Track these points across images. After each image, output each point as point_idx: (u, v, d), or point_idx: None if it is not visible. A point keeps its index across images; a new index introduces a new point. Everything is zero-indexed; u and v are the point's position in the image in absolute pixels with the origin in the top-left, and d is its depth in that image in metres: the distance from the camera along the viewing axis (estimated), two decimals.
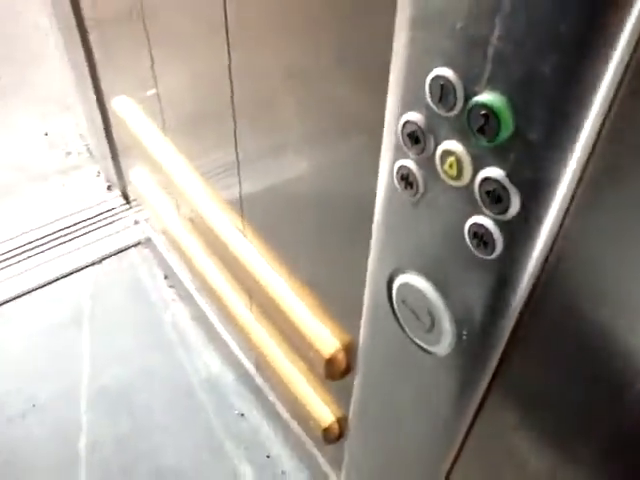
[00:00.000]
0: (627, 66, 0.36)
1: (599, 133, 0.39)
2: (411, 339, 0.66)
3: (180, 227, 1.50)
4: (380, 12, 0.53)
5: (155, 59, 1.24)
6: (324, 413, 1.08)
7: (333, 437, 1.08)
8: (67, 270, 1.91)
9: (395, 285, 0.64)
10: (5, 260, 1.94)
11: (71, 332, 1.74)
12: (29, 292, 1.84)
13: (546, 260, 0.47)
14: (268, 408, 1.47)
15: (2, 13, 3.52)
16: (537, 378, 0.56)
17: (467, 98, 0.44)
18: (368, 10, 0.59)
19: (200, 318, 1.71)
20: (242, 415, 1.54)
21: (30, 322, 1.78)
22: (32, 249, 1.98)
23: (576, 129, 0.39)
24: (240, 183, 1.08)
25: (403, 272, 0.62)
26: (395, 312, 0.66)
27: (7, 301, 1.81)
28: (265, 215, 1.05)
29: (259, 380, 1.44)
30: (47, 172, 2.44)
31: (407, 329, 0.66)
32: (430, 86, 0.47)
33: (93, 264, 1.94)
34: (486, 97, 0.42)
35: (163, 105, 1.31)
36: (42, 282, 1.87)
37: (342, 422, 1.07)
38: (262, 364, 1.33)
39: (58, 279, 1.88)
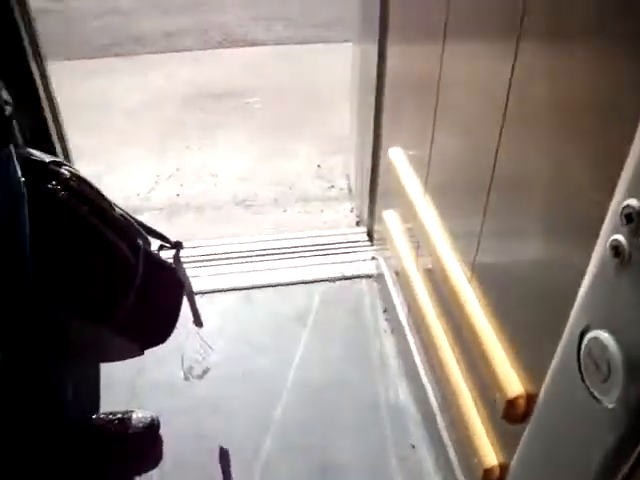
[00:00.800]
0: None
1: None
2: (587, 387, 0.78)
3: (413, 270, 1.72)
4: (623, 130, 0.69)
5: (436, 125, 1.49)
6: (489, 455, 1.20)
7: None
8: (307, 278, 2.26)
9: (585, 339, 0.78)
10: (264, 255, 2.35)
11: (296, 326, 2.06)
12: (275, 285, 2.23)
13: None
14: (438, 445, 1.61)
15: (310, 67, 4.18)
16: None
17: None
18: (617, 126, 0.75)
19: (404, 352, 1.91)
20: (413, 447, 1.70)
21: (269, 308, 2.15)
22: (285, 252, 2.37)
23: None
24: (477, 249, 1.26)
25: (595, 328, 0.76)
26: (580, 362, 0.79)
27: (256, 287, 2.21)
28: (491, 276, 1.23)
29: (439, 418, 1.59)
30: (311, 196, 2.87)
31: (586, 378, 0.78)
32: None
33: (328, 280, 2.26)
34: None
35: (431, 164, 1.56)
36: (286, 281, 2.25)
37: (503, 468, 1.17)
38: (446, 401, 1.48)
39: (299, 283, 2.24)
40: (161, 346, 1.56)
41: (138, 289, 1.41)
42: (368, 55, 2.18)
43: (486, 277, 1.24)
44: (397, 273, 1.96)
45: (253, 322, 2.11)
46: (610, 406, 0.74)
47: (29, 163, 1.28)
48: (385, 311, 2.13)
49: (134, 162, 3.13)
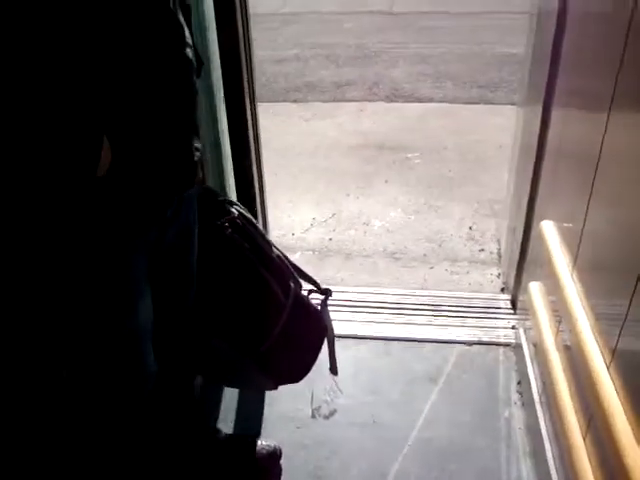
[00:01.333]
0: None
1: None
2: None
3: (552, 345, 1.67)
4: None
5: (592, 200, 1.46)
6: None
7: None
8: (445, 337, 2.27)
9: None
10: (405, 309, 2.40)
11: (427, 384, 2.07)
12: (412, 340, 2.27)
13: None
14: None
15: (473, 127, 4.20)
16: None
17: None
18: None
19: (532, 428, 1.84)
20: None
21: (402, 362, 2.19)
22: (426, 309, 2.40)
23: None
24: (620, 334, 1.22)
25: None
26: None
27: (393, 339, 2.26)
28: (633, 365, 1.17)
29: None
30: (459, 256, 2.87)
31: None
32: None
33: (465, 343, 2.25)
34: None
35: (582, 240, 1.52)
36: (424, 337, 2.28)
37: None
38: None
39: (436, 341, 2.25)
40: None
41: (284, 327, 1.51)
42: (531, 120, 2.18)
43: (627, 366, 1.19)
44: (535, 345, 1.91)
45: (384, 373, 2.15)
46: None
47: (207, 199, 1.46)
48: (519, 383, 2.06)
49: (296, 203, 3.34)
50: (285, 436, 1.88)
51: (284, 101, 4.85)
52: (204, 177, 1.40)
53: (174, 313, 1.42)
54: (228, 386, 2.01)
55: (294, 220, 3.19)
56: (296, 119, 4.50)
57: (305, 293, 1.63)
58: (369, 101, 4.82)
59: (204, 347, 1.55)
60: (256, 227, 1.52)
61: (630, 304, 1.17)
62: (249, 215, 1.53)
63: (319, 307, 1.63)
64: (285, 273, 1.54)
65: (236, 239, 1.45)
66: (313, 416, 1.98)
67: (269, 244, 1.53)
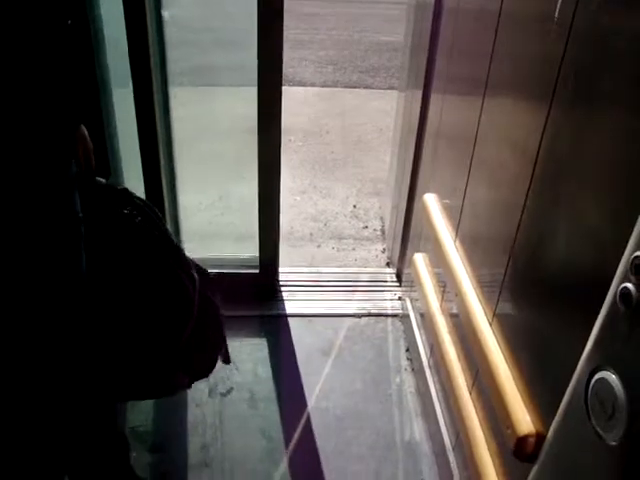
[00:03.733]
0: None
1: None
2: (593, 426, 0.83)
3: (438, 312, 1.78)
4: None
5: (471, 175, 1.57)
6: None
7: None
8: (335, 312, 2.33)
9: (593, 380, 0.84)
10: (295, 287, 2.44)
11: (319, 358, 2.13)
12: (303, 316, 2.31)
13: None
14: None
15: (354, 110, 4.31)
16: None
17: None
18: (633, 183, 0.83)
19: (422, 391, 1.95)
20: None
21: (296, 338, 2.23)
22: (315, 286, 2.45)
23: None
24: (499, 297, 1.33)
25: (602, 369, 0.82)
26: (587, 401, 0.85)
27: (284, 315, 2.30)
28: (511, 322, 1.28)
29: (451, 457, 1.63)
30: (344, 234, 2.95)
31: (592, 417, 0.84)
32: None
33: (354, 316, 2.33)
34: None
35: (463, 213, 1.63)
36: (314, 312, 2.32)
37: None
38: (459, 440, 1.52)
39: (326, 316, 2.31)
40: None
41: (196, 320, 1.46)
42: (412, 103, 2.29)
43: (506, 323, 1.30)
44: (422, 314, 2.02)
45: (278, 349, 2.19)
46: (613, 443, 0.79)
47: (108, 190, 1.39)
48: (407, 350, 2.18)
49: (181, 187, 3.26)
50: (183, 414, 1.87)
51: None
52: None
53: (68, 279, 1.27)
54: (141, 398, 1.79)
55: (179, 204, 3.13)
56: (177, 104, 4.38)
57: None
58: (252, 85, 4.79)
59: (116, 350, 1.42)
60: (158, 215, 1.46)
61: (506, 271, 1.28)
62: (149, 203, 1.47)
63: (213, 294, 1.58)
64: (188, 263, 1.49)
65: (146, 227, 1.40)
66: (210, 395, 1.98)
67: (171, 232, 1.49)
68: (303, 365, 2.11)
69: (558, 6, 1.07)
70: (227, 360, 1.66)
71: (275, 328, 2.26)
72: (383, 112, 3.48)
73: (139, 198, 1.44)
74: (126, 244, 1.37)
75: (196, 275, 1.49)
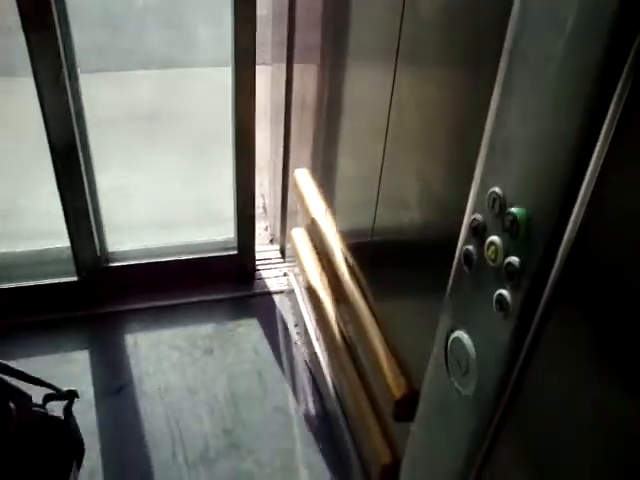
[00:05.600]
0: None
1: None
2: (452, 382, 0.88)
3: (319, 284, 1.80)
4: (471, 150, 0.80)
5: (334, 145, 1.59)
6: (384, 453, 1.29)
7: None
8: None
9: (450, 339, 0.88)
10: None
11: (207, 341, 2.13)
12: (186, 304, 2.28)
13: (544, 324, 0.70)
14: (341, 446, 1.69)
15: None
16: (537, 423, 0.76)
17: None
18: (466, 147, 0.86)
19: (313, 362, 1.99)
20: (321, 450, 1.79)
21: (183, 322, 2.20)
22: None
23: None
24: (370, 262, 1.36)
25: (456, 329, 0.86)
26: (447, 360, 0.89)
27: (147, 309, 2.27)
28: (381, 287, 1.33)
29: (342, 422, 1.68)
30: (227, 215, 2.91)
31: (451, 373, 0.88)
32: (488, 198, 0.72)
33: (240, 297, 2.32)
34: (515, 210, 0.67)
35: (330, 183, 1.65)
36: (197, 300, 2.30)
37: (396, 465, 1.26)
38: (346, 405, 1.57)
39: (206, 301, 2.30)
40: None
41: (16, 463, 1.18)
42: (278, 77, 2.27)
43: (377, 289, 1.34)
44: (306, 288, 2.04)
45: (137, 339, 2.15)
46: (469, 395, 0.83)
47: None
48: (296, 325, 2.20)
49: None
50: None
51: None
52: None
53: None
54: None
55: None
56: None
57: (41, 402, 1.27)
58: (115, 71, 4.59)
59: None
60: None
61: (372, 236, 1.31)
62: None
63: (64, 417, 1.30)
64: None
65: None
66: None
67: None
68: (190, 352, 2.09)
69: None
70: None
71: (159, 315, 2.22)
72: (258, 88, 3.43)
73: None
74: None
75: (13, 406, 1.18)
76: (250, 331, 2.19)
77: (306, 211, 1.78)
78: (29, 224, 2.72)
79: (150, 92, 4.23)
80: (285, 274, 2.43)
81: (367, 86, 1.36)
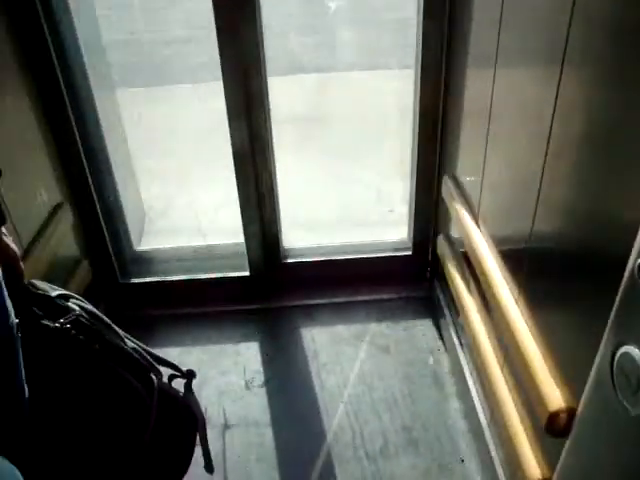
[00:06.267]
0: None
1: None
2: (619, 400, 0.84)
3: (466, 292, 1.79)
4: None
5: (488, 152, 1.57)
6: (534, 469, 1.26)
7: None
8: (367, 298, 2.37)
9: (617, 354, 0.84)
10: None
11: (353, 343, 2.17)
12: (337, 304, 2.37)
13: None
14: (486, 459, 1.66)
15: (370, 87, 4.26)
16: None
17: None
18: None
19: (456, 370, 1.97)
20: (462, 461, 1.76)
21: (330, 325, 2.28)
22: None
23: None
24: (525, 271, 1.33)
25: (625, 344, 0.82)
26: (613, 376, 0.86)
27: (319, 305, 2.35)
28: (537, 297, 1.29)
29: (487, 434, 1.64)
30: (370, 220, 2.95)
31: (619, 390, 0.84)
32: None
33: (389, 300, 2.37)
34: None
35: (483, 191, 1.63)
36: (348, 300, 2.37)
37: None
38: (494, 417, 1.54)
39: (357, 302, 2.35)
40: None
41: (154, 429, 1.31)
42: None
43: (531, 299, 1.30)
44: (451, 296, 2.03)
45: (313, 334, 2.23)
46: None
47: (33, 297, 1.21)
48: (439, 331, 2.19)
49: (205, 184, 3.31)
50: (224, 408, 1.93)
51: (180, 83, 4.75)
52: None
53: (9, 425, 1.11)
54: None
55: (208, 201, 3.17)
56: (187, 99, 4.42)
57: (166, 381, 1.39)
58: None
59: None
60: (102, 320, 1.27)
61: (529, 244, 1.28)
62: (90, 307, 1.28)
63: (183, 394, 1.42)
64: (144, 367, 1.32)
65: (83, 341, 1.21)
66: (247, 387, 2.03)
67: (121, 337, 1.30)
68: (339, 353, 2.15)
69: None
70: (210, 469, 1.48)
71: (309, 315, 2.31)
72: (401, 93, 3.44)
73: (79, 305, 1.26)
74: (58, 361, 1.20)
75: (154, 377, 1.33)
76: (425, 331, 2.22)
77: (456, 218, 1.77)
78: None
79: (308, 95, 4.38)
80: (430, 281, 2.42)
81: (526, 89, 1.33)
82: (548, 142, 1.14)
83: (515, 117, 1.38)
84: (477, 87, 1.70)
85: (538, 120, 1.19)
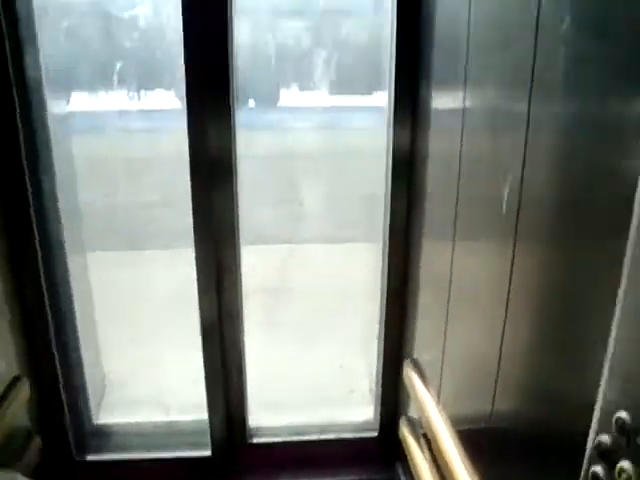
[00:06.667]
0: None
1: None
2: None
3: (428, 474, 1.75)
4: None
5: (447, 332, 1.62)
6: None
7: None
8: None
9: None
10: None
11: None
12: None
13: None
14: None
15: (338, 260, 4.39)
16: None
17: None
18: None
19: None
20: None
21: None
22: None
23: None
24: (484, 453, 1.34)
25: None
26: None
27: None
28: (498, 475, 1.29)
29: None
30: (336, 401, 2.90)
31: None
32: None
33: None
34: None
35: (443, 371, 1.67)
36: None
37: None
38: None
39: None
40: None
41: None
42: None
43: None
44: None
45: None
46: None
47: None
48: None
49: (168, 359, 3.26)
50: None
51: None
52: None
53: None
54: None
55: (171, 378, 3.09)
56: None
57: None
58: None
59: None
60: None
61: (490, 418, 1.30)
62: None
63: None
64: None
65: None
66: None
67: None
68: None
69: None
70: None
71: None
72: (368, 266, 3.53)
73: None
74: None
75: None
76: None
77: (417, 400, 1.80)
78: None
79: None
80: (394, 461, 2.36)
81: (480, 268, 1.41)
82: (504, 322, 1.21)
83: (471, 295, 1.46)
84: (437, 261, 1.78)
85: (494, 298, 1.26)
